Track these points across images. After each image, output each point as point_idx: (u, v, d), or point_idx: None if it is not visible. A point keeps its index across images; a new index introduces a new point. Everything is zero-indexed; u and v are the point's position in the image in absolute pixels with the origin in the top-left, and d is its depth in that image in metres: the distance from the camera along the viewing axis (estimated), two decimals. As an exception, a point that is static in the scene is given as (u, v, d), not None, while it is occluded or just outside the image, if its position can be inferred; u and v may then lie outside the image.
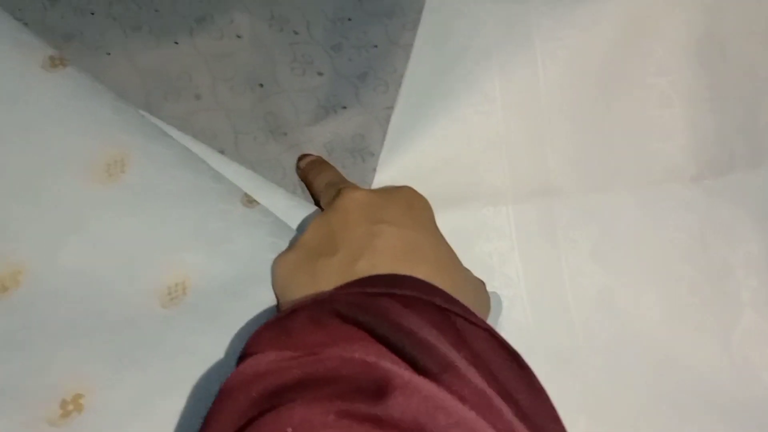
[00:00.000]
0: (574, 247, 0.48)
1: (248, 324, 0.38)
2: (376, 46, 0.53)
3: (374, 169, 0.49)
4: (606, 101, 0.48)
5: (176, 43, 0.51)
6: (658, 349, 0.46)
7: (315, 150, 0.49)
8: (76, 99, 0.39)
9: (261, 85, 0.51)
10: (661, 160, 0.48)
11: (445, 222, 0.48)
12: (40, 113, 0.38)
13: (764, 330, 0.46)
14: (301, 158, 0.48)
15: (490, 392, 0.27)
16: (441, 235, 0.40)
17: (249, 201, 0.42)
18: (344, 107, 0.51)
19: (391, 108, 0.51)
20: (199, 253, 0.39)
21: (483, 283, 0.43)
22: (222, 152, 0.48)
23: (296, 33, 0.54)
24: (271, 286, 0.39)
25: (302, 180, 0.48)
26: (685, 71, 0.47)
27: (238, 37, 0.52)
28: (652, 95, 0.47)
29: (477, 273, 0.48)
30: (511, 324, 0.47)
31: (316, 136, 0.50)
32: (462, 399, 0.26)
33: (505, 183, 0.49)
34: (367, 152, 0.49)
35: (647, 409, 0.44)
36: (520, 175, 0.48)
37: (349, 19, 0.55)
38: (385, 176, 0.49)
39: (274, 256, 0.40)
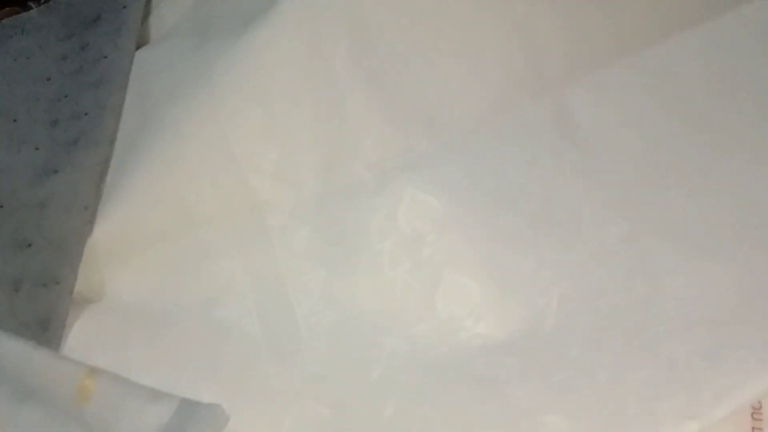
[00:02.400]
0: (291, 252, 0.52)
1: None
2: (87, 113, 0.57)
3: (90, 222, 0.52)
4: (288, 113, 0.53)
5: None
6: (373, 323, 0.49)
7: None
8: None
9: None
10: (346, 155, 0.53)
11: (169, 255, 0.52)
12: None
13: (462, 283, 0.49)
14: None
15: None
16: None
17: None
18: (56, 171, 0.54)
19: (105, 162, 0.55)
20: None
21: None
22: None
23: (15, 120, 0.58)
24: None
25: None
26: (342, 73, 0.52)
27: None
28: (323, 99, 0.53)
29: (206, 294, 0.51)
30: (238, 333, 0.50)
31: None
32: None
33: (214, 207, 0.52)
34: (81, 206, 0.52)
35: (364, 381, 0.47)
36: (226, 197, 0.52)
37: (66, 96, 0.59)
38: (101, 226, 0.52)
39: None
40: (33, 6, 0.87)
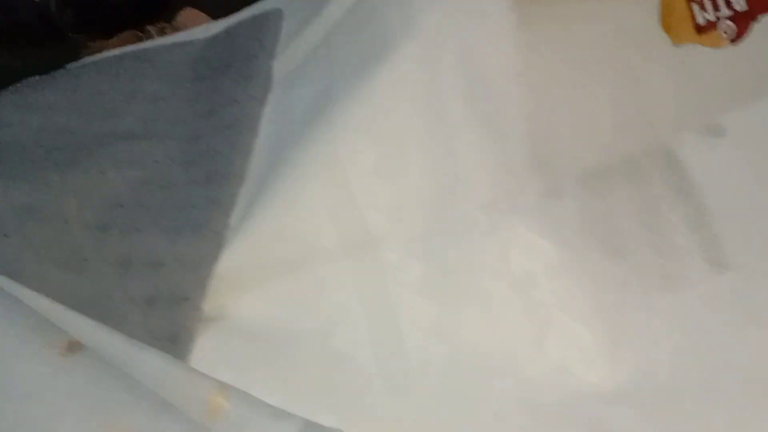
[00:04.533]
0: (404, 287, 0.54)
1: None
2: (220, 153, 0.62)
3: (219, 245, 0.56)
4: (403, 153, 0.55)
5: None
6: (484, 362, 0.51)
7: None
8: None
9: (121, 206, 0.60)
10: (460, 196, 0.55)
11: (288, 286, 0.55)
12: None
13: (572, 328, 0.51)
14: None
15: None
16: None
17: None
18: (194, 206, 0.58)
19: (235, 195, 0.59)
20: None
21: None
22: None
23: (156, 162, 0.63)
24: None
25: None
26: (460, 117, 0.55)
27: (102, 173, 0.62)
28: (439, 142, 0.55)
29: (322, 324, 0.54)
30: (352, 362, 0.52)
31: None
32: None
33: (332, 242, 0.55)
34: (213, 231, 0.56)
35: (475, 420, 0.48)
36: (344, 232, 0.55)
37: (199, 137, 0.65)
38: (230, 254, 0.55)
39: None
40: (152, 30, 0.94)
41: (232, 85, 0.67)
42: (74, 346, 0.43)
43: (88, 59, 0.84)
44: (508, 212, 0.54)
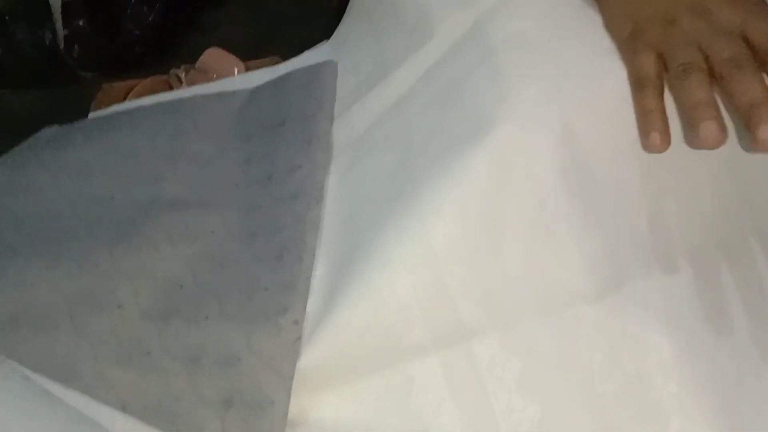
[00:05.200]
0: (501, 384, 0.50)
1: None
2: (286, 227, 0.57)
3: (299, 338, 0.51)
4: (496, 243, 0.51)
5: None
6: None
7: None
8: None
9: (181, 287, 0.54)
10: (561, 286, 0.51)
11: (374, 385, 0.50)
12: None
13: (693, 433, 0.47)
14: None
15: None
16: None
17: None
18: (266, 289, 0.54)
19: (309, 278, 0.54)
20: None
21: None
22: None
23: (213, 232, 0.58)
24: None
25: None
26: (561, 201, 0.51)
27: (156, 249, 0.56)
28: (537, 229, 0.51)
29: (412, 426, 0.50)
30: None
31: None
32: None
33: (424, 338, 0.51)
34: (290, 321, 0.52)
35: None
36: (436, 326, 0.51)
37: (260, 206, 0.59)
38: (311, 351, 0.51)
39: None
40: (179, 74, 0.88)
41: (290, 148, 0.63)
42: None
43: (112, 109, 0.79)
44: (614, 305, 0.50)
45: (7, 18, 0.95)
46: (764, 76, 0.49)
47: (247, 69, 0.83)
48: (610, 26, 0.55)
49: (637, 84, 0.51)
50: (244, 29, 1.04)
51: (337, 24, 0.76)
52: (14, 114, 0.92)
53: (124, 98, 0.82)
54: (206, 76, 0.84)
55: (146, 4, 1.01)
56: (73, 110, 0.80)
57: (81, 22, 0.96)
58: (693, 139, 0.48)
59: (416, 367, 0.51)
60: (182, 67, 0.86)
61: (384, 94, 0.61)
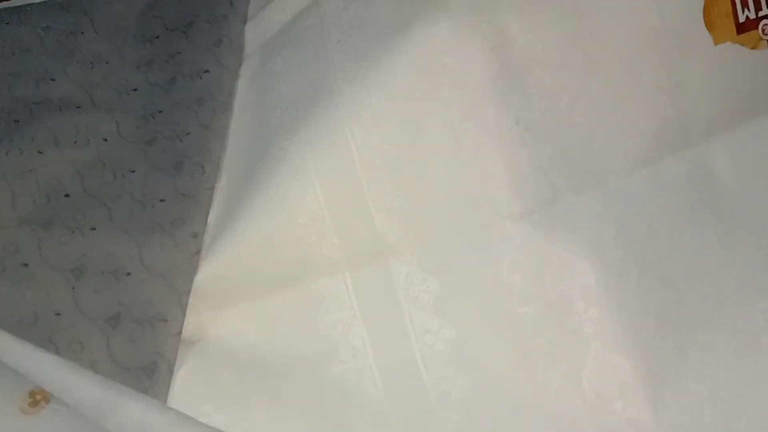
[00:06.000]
0: (417, 304, 0.47)
1: None
2: (188, 133, 0.52)
3: (198, 251, 0.46)
4: (419, 153, 0.47)
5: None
6: (512, 396, 0.45)
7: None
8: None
9: (67, 195, 0.48)
10: (486, 202, 0.48)
11: (280, 302, 0.46)
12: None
13: (611, 360, 0.45)
14: None
15: None
16: None
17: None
18: (162, 200, 0.48)
19: (212, 189, 0.49)
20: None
21: None
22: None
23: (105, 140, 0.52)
24: None
25: None
26: (489, 110, 0.47)
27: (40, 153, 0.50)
28: (463, 140, 0.47)
29: (322, 347, 0.46)
30: (362, 398, 0.45)
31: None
32: None
33: (336, 252, 0.47)
34: (188, 233, 0.47)
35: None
36: (350, 242, 0.47)
37: (160, 112, 0.54)
38: (211, 264, 0.46)
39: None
40: None
41: (197, 51, 0.56)
42: (38, 397, 0.33)
43: (2, 4, 0.70)
44: (540, 225, 0.47)
45: None
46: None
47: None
48: None
49: None
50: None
51: None
52: None
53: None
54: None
55: None
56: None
57: None
58: None
59: (327, 283, 0.47)
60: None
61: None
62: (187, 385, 0.43)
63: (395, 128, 0.47)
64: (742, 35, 0.52)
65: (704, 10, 0.51)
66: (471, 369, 0.46)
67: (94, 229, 0.47)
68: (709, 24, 0.51)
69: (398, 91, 0.47)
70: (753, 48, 0.52)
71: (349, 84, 0.47)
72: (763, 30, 0.52)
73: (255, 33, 0.57)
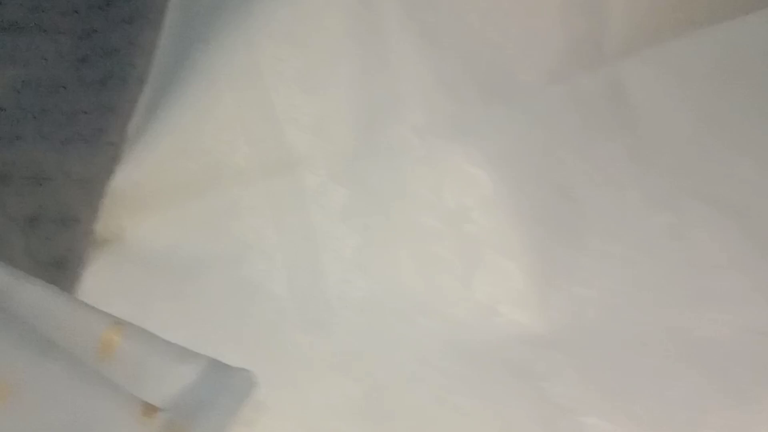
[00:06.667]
0: (325, 213, 0.49)
1: None
2: (117, 50, 0.54)
3: (114, 159, 0.49)
4: (327, 66, 0.49)
5: None
6: (408, 298, 0.47)
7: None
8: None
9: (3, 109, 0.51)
10: (393, 114, 0.50)
11: (195, 208, 0.49)
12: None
13: (503, 266, 0.47)
14: None
15: None
16: None
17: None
18: (85, 112, 0.51)
19: (134, 101, 0.52)
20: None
21: None
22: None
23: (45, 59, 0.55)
24: None
25: None
26: (394, 25, 0.49)
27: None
28: (371, 53, 0.49)
29: (233, 251, 0.49)
30: (266, 294, 0.47)
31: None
32: None
33: (247, 161, 0.49)
34: (106, 142, 0.49)
35: (397, 361, 0.45)
36: (261, 150, 0.49)
37: (95, 31, 0.56)
38: (127, 170, 0.49)
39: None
40: None
41: (133, -26, 0.58)
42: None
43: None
44: (445, 138, 0.49)
45: None
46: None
47: None
48: None
49: None
50: None
51: None
52: None
53: None
54: None
55: None
56: None
57: None
58: None
59: (240, 191, 0.49)
60: None
61: None
62: (96, 280, 0.45)
63: (303, 41, 0.48)
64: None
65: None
66: (372, 273, 0.48)
67: (20, 138, 0.50)
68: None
69: (307, 4, 0.48)
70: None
71: (264, 3, 0.49)
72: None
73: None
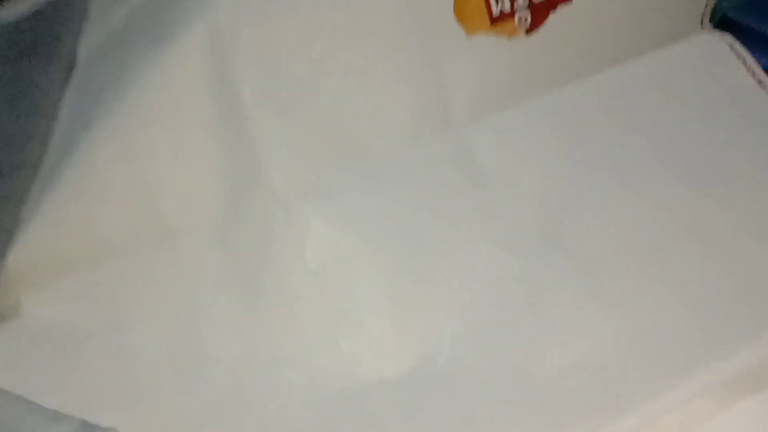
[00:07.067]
0: (199, 278, 0.54)
1: None
2: (11, 142, 0.59)
3: (8, 243, 0.53)
4: (198, 141, 0.55)
5: None
6: (279, 356, 0.51)
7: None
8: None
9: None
10: (257, 184, 0.55)
11: (76, 278, 0.54)
12: None
13: (363, 318, 0.52)
14: None
15: None
16: None
17: None
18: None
19: (28, 186, 0.56)
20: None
21: None
22: None
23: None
24: None
25: None
26: (258, 110, 0.54)
27: None
28: (233, 130, 0.54)
29: (117, 320, 0.53)
30: (145, 361, 0.51)
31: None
32: None
33: (124, 233, 0.54)
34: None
35: (262, 412, 0.49)
36: (136, 223, 0.54)
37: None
38: (20, 250, 0.53)
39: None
40: None
41: (33, 70, 0.64)
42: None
43: None
44: (303, 202, 0.54)
45: None
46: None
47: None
48: None
49: None
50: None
51: None
52: None
53: None
54: None
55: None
56: None
57: None
58: None
59: (121, 262, 0.54)
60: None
61: (120, 9, 0.62)
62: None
63: (172, 122, 0.54)
64: (497, 26, 0.58)
65: (455, 5, 0.56)
66: (244, 332, 0.52)
67: None
68: (461, 18, 0.57)
69: (173, 87, 0.53)
70: (510, 37, 0.58)
71: (135, 88, 0.54)
72: (518, 21, 0.58)
73: (85, 49, 0.64)
